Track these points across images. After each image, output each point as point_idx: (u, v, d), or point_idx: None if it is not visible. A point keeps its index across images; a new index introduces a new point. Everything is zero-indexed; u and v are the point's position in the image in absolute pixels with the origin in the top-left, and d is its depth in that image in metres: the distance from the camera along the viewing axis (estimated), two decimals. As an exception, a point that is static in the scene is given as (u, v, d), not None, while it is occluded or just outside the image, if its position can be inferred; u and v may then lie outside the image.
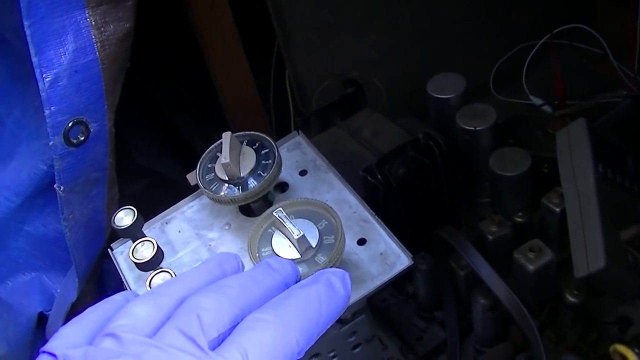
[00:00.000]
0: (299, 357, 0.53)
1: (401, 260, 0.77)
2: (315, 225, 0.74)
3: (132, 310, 0.52)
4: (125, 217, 0.79)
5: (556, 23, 1.26)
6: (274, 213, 0.73)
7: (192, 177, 0.84)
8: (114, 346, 0.49)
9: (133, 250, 0.76)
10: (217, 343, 0.51)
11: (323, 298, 0.56)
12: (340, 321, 0.81)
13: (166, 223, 0.88)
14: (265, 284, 0.57)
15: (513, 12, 1.33)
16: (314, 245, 0.72)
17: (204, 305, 0.52)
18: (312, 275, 0.60)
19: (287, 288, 0.58)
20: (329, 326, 0.57)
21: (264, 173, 0.80)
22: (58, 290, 1.02)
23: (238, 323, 0.52)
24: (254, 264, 0.73)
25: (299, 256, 0.72)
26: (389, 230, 0.80)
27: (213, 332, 0.50)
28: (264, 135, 0.84)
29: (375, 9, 1.23)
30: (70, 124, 0.81)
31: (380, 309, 1.03)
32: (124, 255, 0.85)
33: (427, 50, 1.31)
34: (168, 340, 0.49)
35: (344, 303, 0.58)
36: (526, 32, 1.31)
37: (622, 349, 0.76)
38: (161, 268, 0.75)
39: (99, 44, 0.80)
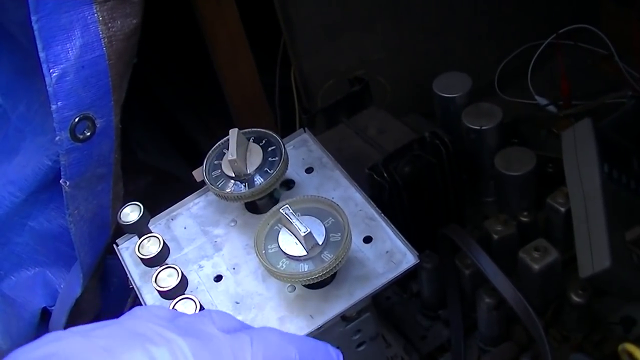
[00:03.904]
0: None
1: (407, 258, 0.78)
2: (322, 222, 0.74)
3: None
4: (131, 213, 0.79)
5: (561, 23, 1.26)
6: (280, 210, 0.74)
7: (198, 174, 0.84)
8: None
9: (139, 246, 0.77)
10: None
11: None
12: (345, 319, 0.81)
13: (172, 219, 0.88)
14: None
15: (519, 12, 1.33)
16: (320, 243, 0.72)
17: None
18: None
19: None
20: None
21: (270, 170, 0.80)
22: (62, 286, 1.02)
23: None
24: (260, 260, 0.73)
25: (305, 253, 0.72)
26: (395, 229, 0.80)
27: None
28: (270, 132, 0.84)
29: (382, 7, 1.23)
30: (76, 120, 0.81)
31: (385, 307, 1.03)
32: (129, 251, 0.85)
33: (434, 48, 1.30)
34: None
35: None
36: (531, 32, 1.31)
37: (631, 347, 0.75)
38: (167, 264, 0.75)
39: (106, 40, 0.80)
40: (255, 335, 0.55)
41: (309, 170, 0.88)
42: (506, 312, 0.90)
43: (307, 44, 1.23)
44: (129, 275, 0.83)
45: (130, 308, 0.58)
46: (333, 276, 0.76)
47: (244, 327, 0.57)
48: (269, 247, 0.74)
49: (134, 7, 0.83)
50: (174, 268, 0.74)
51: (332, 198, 0.82)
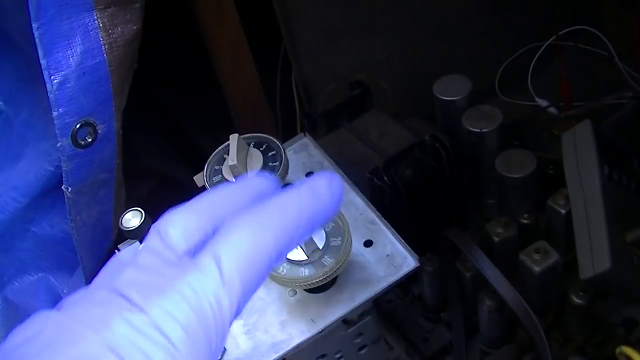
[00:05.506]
0: (277, 263, 0.51)
1: (407, 262, 0.78)
2: (322, 226, 0.74)
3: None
4: (132, 219, 0.79)
5: (562, 25, 1.26)
6: (280, 215, 0.74)
7: (199, 179, 0.85)
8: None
9: (140, 252, 0.77)
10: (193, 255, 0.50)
11: (304, 201, 0.52)
12: (347, 322, 0.81)
13: (173, 224, 0.88)
14: (236, 195, 0.54)
15: (519, 14, 1.33)
16: (320, 247, 0.72)
17: (173, 222, 0.51)
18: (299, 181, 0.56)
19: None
20: (310, 232, 0.54)
21: (271, 175, 0.81)
22: (65, 291, 1.02)
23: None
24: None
25: (306, 257, 0.72)
26: (396, 232, 0.80)
27: (182, 245, 0.49)
28: (271, 137, 0.84)
29: (382, 10, 1.23)
30: (78, 126, 0.81)
31: (387, 311, 1.03)
32: (131, 256, 0.85)
33: (434, 52, 1.31)
34: (141, 260, 0.49)
35: (330, 207, 0.53)
36: (532, 34, 1.31)
37: (629, 350, 0.76)
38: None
39: (106, 46, 0.81)
40: (220, 247, 0.49)
41: (310, 174, 0.89)
42: (507, 315, 0.90)
43: (308, 48, 1.23)
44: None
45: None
46: (334, 280, 0.76)
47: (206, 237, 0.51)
48: (269, 251, 0.74)
49: (134, 13, 0.83)
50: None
51: (333, 202, 0.82)
